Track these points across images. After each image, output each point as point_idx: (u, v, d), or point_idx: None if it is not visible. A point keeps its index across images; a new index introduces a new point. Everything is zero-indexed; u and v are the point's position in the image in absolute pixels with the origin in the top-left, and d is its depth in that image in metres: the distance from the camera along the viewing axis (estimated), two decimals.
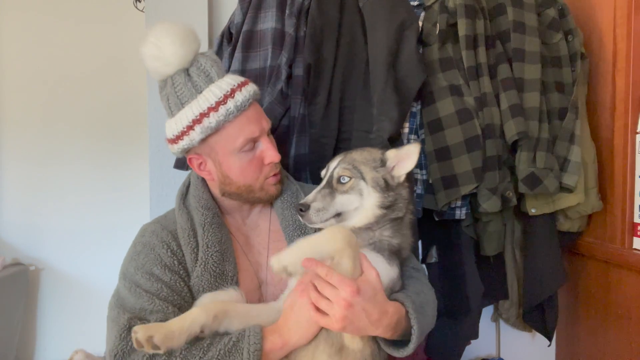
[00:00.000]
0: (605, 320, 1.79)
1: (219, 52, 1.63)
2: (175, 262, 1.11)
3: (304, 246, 0.94)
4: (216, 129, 1.11)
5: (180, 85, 1.11)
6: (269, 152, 1.17)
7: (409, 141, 1.61)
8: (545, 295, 1.73)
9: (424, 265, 1.74)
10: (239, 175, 1.16)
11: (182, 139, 1.13)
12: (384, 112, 1.46)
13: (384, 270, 1.04)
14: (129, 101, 2.19)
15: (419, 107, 1.62)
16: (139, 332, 0.90)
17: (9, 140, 2.34)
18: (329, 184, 1.10)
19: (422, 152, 1.62)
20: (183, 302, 1.08)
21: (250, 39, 1.57)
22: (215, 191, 1.22)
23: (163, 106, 1.17)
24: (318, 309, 0.95)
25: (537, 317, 1.80)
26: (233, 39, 1.62)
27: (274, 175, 1.21)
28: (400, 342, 1.05)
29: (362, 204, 1.09)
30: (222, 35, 1.66)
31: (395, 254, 1.09)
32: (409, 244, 1.14)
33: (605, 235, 1.77)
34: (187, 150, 1.17)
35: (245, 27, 1.58)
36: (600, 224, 1.79)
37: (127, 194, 2.20)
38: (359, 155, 1.13)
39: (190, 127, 1.11)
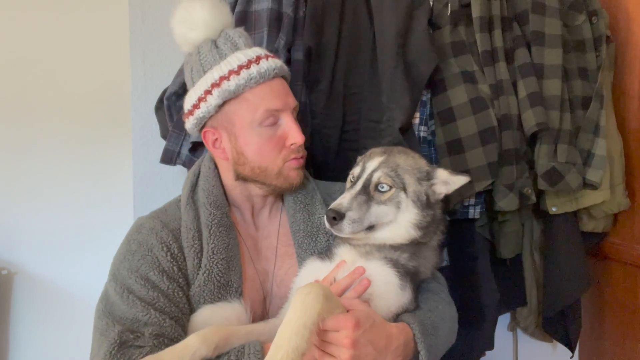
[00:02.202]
0: (632, 329, 1.76)
1: None
2: (175, 268, 1.05)
3: (294, 342, 0.80)
4: (235, 94, 1.07)
5: (205, 53, 1.11)
6: (293, 131, 1.11)
7: (419, 132, 1.58)
8: (567, 302, 1.69)
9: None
10: (255, 154, 1.10)
11: (199, 107, 1.10)
12: (395, 99, 1.42)
13: (393, 294, 1.01)
14: (110, 90, 2.12)
15: (429, 95, 1.59)
16: None
17: None
18: (365, 189, 1.03)
19: (433, 145, 1.60)
20: (180, 314, 1.02)
21: (243, 21, 1.51)
22: (228, 175, 1.16)
23: (185, 80, 1.17)
24: (325, 353, 0.89)
25: (558, 325, 1.77)
26: None
27: (295, 158, 1.14)
28: None
29: (397, 218, 1.04)
30: None
31: (410, 276, 1.04)
32: (430, 266, 1.12)
33: (633, 236, 1.74)
34: (203, 123, 1.13)
35: (238, 8, 1.52)
36: (628, 224, 1.76)
37: (108, 191, 2.14)
38: (402, 160, 1.07)
39: (208, 92, 1.08)
